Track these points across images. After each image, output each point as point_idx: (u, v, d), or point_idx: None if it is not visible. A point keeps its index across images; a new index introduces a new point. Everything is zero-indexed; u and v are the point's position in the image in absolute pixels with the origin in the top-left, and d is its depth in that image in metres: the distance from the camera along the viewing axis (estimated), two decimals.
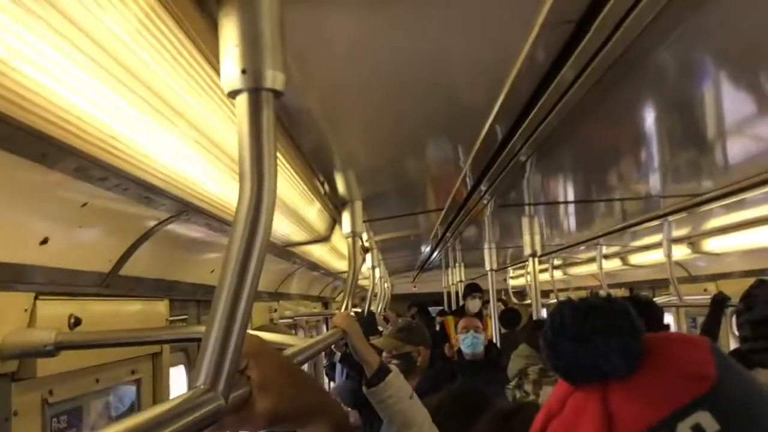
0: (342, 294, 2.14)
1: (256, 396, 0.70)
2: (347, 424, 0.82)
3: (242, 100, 0.67)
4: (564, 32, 1.16)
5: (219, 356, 0.63)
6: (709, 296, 4.03)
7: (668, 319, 5.86)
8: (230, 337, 0.64)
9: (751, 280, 4.23)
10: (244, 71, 0.67)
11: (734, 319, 4.58)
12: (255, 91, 0.67)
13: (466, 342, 4.38)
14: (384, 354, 3.15)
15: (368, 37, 1.16)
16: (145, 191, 1.45)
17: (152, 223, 1.72)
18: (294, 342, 1.44)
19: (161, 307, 2.05)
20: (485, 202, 2.79)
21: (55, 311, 1.47)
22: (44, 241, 1.35)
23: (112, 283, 1.74)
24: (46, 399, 1.44)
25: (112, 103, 1.03)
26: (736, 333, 4.56)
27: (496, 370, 4.12)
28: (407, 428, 1.87)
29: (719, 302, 3.68)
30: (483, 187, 2.44)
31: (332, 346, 4.41)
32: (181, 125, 1.23)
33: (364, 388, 1.90)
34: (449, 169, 2.24)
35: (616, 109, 1.75)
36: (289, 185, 1.83)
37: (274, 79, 0.68)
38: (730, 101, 1.77)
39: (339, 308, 2.05)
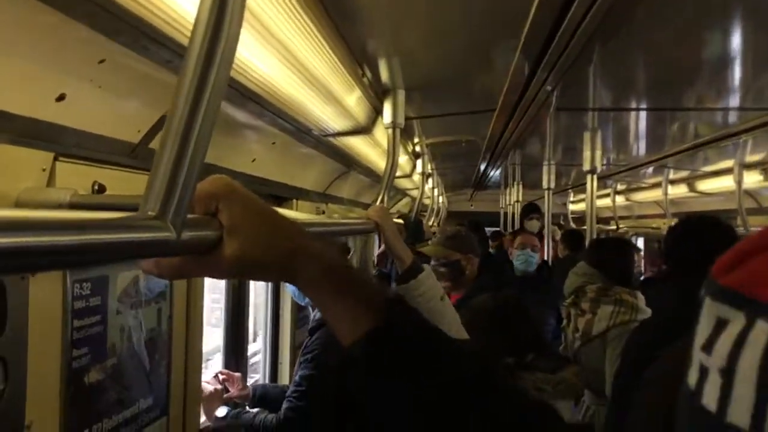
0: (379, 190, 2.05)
1: (225, 240, 0.64)
2: (340, 270, 0.74)
3: None
4: None
5: (169, 183, 0.55)
6: None
7: None
8: (183, 160, 0.56)
9: None
10: None
11: None
12: None
13: (521, 258, 4.33)
14: (432, 262, 3.10)
15: None
16: (174, 55, 1.37)
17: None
18: (314, 218, 1.37)
19: None
20: (543, 101, 2.59)
21: (77, 175, 1.44)
22: (61, 98, 1.30)
23: (141, 155, 1.70)
24: None
25: None
26: None
27: (545, 290, 4.06)
28: None
29: None
30: (541, 77, 2.23)
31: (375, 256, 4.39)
32: None
33: (394, 285, 1.86)
34: (503, 64, 2.07)
35: (689, 3, 1.56)
36: (327, 68, 1.72)
37: None
38: None
39: (374, 202, 1.97)
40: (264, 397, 2.74)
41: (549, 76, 2.13)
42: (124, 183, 1.60)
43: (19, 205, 1.27)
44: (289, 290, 2.71)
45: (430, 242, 3.35)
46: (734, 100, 2.77)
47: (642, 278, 5.81)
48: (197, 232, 0.60)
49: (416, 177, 4.47)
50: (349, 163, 3.54)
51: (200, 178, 0.60)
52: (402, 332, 0.72)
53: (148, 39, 1.26)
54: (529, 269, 4.32)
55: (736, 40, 1.94)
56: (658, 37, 1.91)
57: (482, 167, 5.53)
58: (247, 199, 0.66)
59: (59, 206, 1.29)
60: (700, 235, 2.42)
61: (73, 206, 1.30)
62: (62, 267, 1.10)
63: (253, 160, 2.42)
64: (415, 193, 5.21)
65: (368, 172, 4.06)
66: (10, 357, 1.28)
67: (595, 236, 3.87)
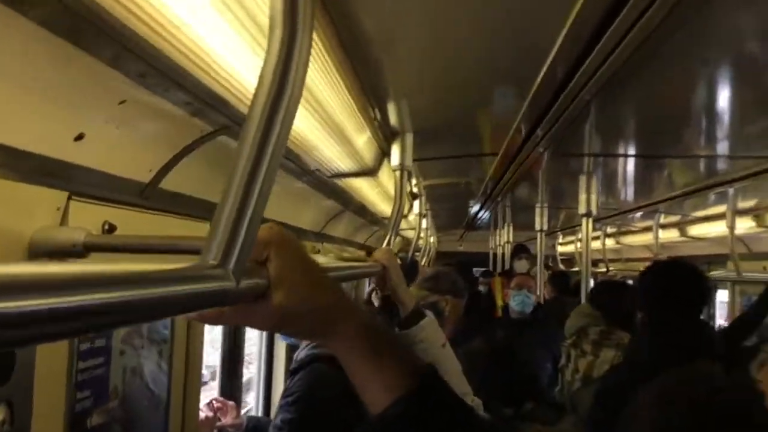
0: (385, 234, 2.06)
1: (272, 289, 0.63)
2: (374, 329, 0.74)
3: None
4: None
5: (232, 232, 0.55)
6: None
7: (723, 295, 5.65)
8: (245, 211, 0.56)
9: None
10: None
11: None
12: None
13: (517, 300, 4.31)
14: None
15: None
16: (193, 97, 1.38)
17: (198, 135, 1.66)
18: (327, 262, 1.37)
19: (203, 230, 2.00)
20: (541, 150, 2.65)
21: (89, 214, 1.43)
22: (79, 137, 1.30)
23: (151, 196, 1.70)
24: None
25: None
26: None
27: (541, 332, 4.06)
28: None
29: None
30: (540, 132, 2.31)
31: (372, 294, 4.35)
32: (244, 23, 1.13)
33: (396, 330, 1.84)
34: (505, 110, 2.12)
35: (685, 56, 1.62)
36: (342, 107, 1.73)
37: None
38: None
39: (380, 244, 1.98)
40: (256, 429, 2.68)
41: (551, 129, 2.19)
42: (132, 222, 1.59)
43: (33, 246, 1.25)
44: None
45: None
46: (723, 149, 2.83)
47: None
48: (252, 281, 0.59)
49: (412, 218, 4.49)
50: (346, 202, 3.54)
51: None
52: (436, 399, 0.72)
53: (170, 81, 1.27)
54: (526, 310, 4.31)
55: (723, 92, 2.00)
56: (650, 89, 1.97)
57: (474, 209, 5.57)
58: (296, 250, 0.66)
59: (73, 247, 1.28)
60: (668, 280, 2.47)
61: (87, 247, 1.29)
62: (128, 323, 1.08)
63: None
64: (411, 233, 5.22)
65: (362, 211, 4.07)
66: (16, 400, 1.25)
67: (590, 278, 3.89)
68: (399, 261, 3.97)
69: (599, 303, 3.24)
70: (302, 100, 1.55)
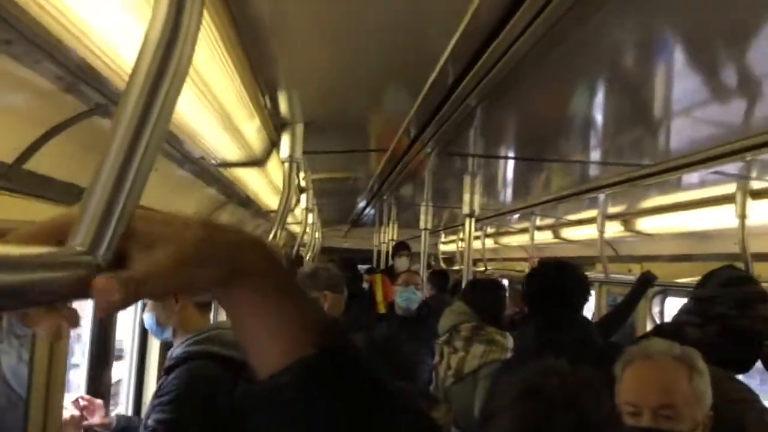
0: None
1: (155, 251, 0.55)
2: (286, 283, 0.63)
3: None
4: None
5: (102, 218, 0.50)
6: (634, 276, 4.14)
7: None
8: (119, 196, 0.51)
9: (675, 265, 4.39)
10: None
11: (653, 301, 4.76)
12: None
13: (403, 296, 4.32)
14: None
15: None
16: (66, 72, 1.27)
17: (71, 113, 1.54)
18: None
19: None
20: (428, 150, 2.69)
21: None
22: None
23: (14, 177, 1.56)
24: None
25: None
26: (655, 314, 4.77)
27: (425, 329, 4.12)
28: None
29: (646, 280, 3.75)
30: (428, 133, 2.34)
31: None
32: None
33: None
34: (396, 108, 2.13)
35: (565, 68, 1.70)
36: (231, 92, 1.65)
37: None
38: (680, 81, 1.75)
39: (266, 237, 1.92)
40: (126, 430, 2.53)
41: (439, 130, 2.23)
42: None
43: None
44: (147, 325, 2.51)
45: None
46: (597, 156, 3.00)
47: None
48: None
49: (299, 212, 4.43)
50: (230, 194, 3.44)
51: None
52: (340, 364, 0.63)
53: (40, 51, 1.16)
54: (411, 307, 4.34)
55: (599, 103, 2.13)
56: (533, 97, 2.06)
57: (361, 204, 5.59)
58: (168, 216, 0.59)
59: None
60: (555, 279, 2.60)
61: None
62: None
63: None
64: (296, 227, 5.14)
65: (247, 203, 3.97)
66: None
67: (470, 273, 4.01)
68: (284, 256, 3.91)
69: (472, 300, 3.35)
70: (188, 81, 1.47)
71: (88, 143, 1.64)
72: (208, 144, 1.92)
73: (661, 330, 2.74)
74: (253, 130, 1.87)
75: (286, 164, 2.02)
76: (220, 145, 1.97)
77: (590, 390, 1.23)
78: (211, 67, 1.35)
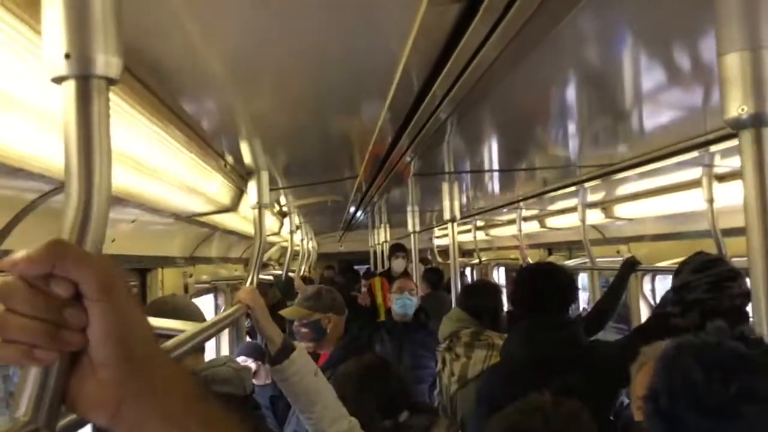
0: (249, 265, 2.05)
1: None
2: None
3: (68, 87, 0.58)
4: None
5: (40, 387, 0.56)
6: (621, 258, 4.20)
7: (582, 278, 6.07)
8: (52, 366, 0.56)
9: (660, 243, 4.46)
10: (68, 56, 0.57)
11: (644, 280, 4.83)
12: (83, 78, 0.58)
13: (399, 303, 4.35)
14: (295, 323, 3.09)
15: None
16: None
17: (34, 196, 1.58)
18: (186, 328, 1.35)
19: None
20: (406, 162, 2.70)
21: None
22: None
23: None
24: None
25: None
26: (647, 292, 4.83)
27: (424, 334, 4.16)
28: (312, 405, 1.85)
29: (629, 265, 3.80)
30: (402, 148, 2.33)
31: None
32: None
33: (268, 366, 1.86)
34: (365, 130, 2.12)
35: (531, 72, 1.71)
36: (181, 161, 1.69)
37: (106, 64, 0.58)
38: (646, 71, 1.78)
39: (244, 283, 1.97)
40: None
41: (412, 144, 2.23)
42: None
43: None
44: None
45: (290, 303, 3.33)
46: (572, 155, 3.07)
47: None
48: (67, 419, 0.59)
49: (284, 233, 4.48)
50: (213, 228, 3.48)
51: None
52: None
53: None
54: (408, 313, 4.38)
55: (571, 109, 2.17)
56: (506, 110, 2.08)
57: (351, 210, 5.65)
58: None
59: None
60: (542, 282, 2.66)
61: None
62: None
63: (113, 241, 2.34)
64: (285, 246, 5.18)
65: (233, 232, 4.01)
66: None
67: (459, 276, 4.07)
68: (272, 280, 3.93)
69: (468, 306, 3.39)
70: (132, 162, 1.51)
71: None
72: (173, 205, 1.96)
73: (648, 326, 2.82)
74: (217, 186, 1.91)
75: (255, 210, 2.05)
76: (186, 205, 2.00)
77: (574, 424, 1.28)
78: (163, 151, 1.39)
